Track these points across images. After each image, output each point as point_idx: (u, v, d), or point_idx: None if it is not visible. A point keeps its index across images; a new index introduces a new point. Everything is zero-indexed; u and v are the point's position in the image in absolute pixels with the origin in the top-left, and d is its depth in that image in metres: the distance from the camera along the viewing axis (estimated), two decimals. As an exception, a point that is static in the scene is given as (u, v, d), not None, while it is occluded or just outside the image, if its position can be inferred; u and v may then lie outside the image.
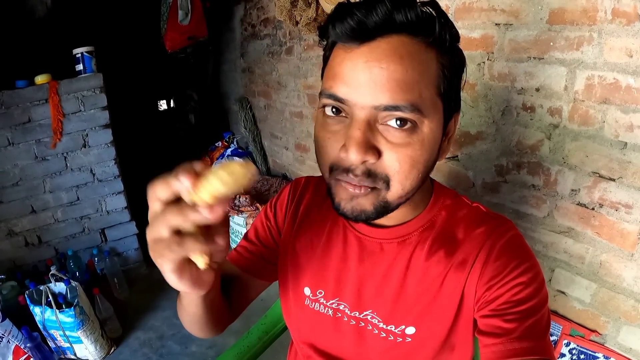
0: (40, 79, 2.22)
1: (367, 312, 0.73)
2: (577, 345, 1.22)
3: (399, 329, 0.70)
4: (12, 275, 2.22)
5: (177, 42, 2.96)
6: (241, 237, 2.49)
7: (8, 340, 1.84)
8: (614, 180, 1.05)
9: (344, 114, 0.57)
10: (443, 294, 0.67)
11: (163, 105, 4.84)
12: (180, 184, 0.41)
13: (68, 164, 2.38)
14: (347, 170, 0.57)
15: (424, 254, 0.68)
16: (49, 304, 1.84)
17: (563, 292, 1.24)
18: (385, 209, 0.61)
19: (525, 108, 1.19)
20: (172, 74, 3.91)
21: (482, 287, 0.64)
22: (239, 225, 2.51)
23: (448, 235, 0.69)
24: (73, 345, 1.93)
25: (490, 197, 1.36)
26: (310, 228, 0.81)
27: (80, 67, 2.31)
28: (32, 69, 2.25)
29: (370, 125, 0.55)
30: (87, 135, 2.38)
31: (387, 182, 0.58)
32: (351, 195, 0.59)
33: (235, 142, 3.40)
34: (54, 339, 1.92)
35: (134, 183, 2.86)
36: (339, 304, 0.76)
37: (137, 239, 2.71)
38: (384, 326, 0.71)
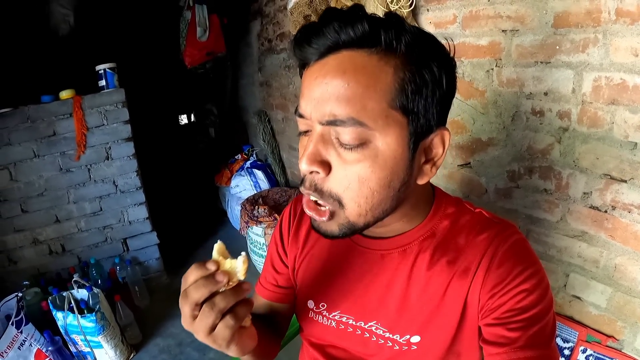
0: (65, 94, 2.32)
1: (371, 323, 0.74)
2: (594, 352, 1.19)
3: (404, 338, 0.70)
4: (36, 282, 2.29)
5: (196, 57, 3.04)
6: (260, 247, 2.54)
7: (30, 344, 1.89)
8: (625, 181, 1.04)
9: (310, 129, 0.61)
10: (446, 302, 0.67)
11: (184, 119, 4.94)
12: (218, 283, 0.53)
13: (91, 176, 2.47)
14: (302, 180, 0.61)
15: (425, 263, 0.69)
16: (71, 310, 1.89)
17: (578, 297, 1.22)
18: (352, 229, 0.62)
19: (535, 112, 1.19)
20: (192, 89, 4.00)
21: (485, 295, 0.64)
22: (258, 235, 2.55)
23: (450, 243, 0.69)
24: (94, 350, 1.97)
25: (504, 203, 1.35)
26: (312, 243, 0.83)
27: (103, 82, 2.41)
28: (56, 85, 2.35)
29: (325, 140, 0.58)
30: (110, 148, 2.47)
31: (339, 201, 0.59)
32: (314, 218, 0.63)
33: (254, 155, 3.45)
34: (75, 344, 1.97)
35: (155, 194, 2.93)
36: (341, 316, 0.77)
37: (158, 249, 2.76)
38: (390, 335, 0.71)
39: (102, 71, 2.39)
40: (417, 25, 1.45)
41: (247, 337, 0.61)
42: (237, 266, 0.56)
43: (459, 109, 1.40)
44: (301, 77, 0.63)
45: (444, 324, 0.67)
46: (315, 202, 0.62)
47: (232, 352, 0.59)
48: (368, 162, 0.57)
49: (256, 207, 2.58)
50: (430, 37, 0.60)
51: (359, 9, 0.57)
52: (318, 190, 0.60)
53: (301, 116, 0.60)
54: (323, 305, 0.79)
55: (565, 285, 1.24)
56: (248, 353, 0.64)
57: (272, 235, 0.92)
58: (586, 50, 1.03)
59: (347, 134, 0.55)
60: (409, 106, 0.57)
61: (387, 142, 0.56)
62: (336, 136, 0.57)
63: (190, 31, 2.94)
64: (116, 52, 2.83)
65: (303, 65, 0.62)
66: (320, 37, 0.56)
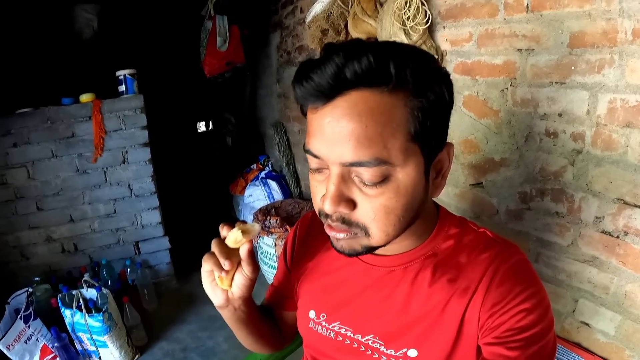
0: (85, 98, 2.39)
1: (368, 337, 0.74)
2: (601, 381, 1.16)
3: (400, 352, 0.70)
4: (47, 279, 2.34)
5: (216, 67, 3.07)
6: (270, 257, 2.54)
7: (37, 339, 1.92)
8: (639, 207, 1.01)
9: (324, 167, 0.61)
10: (445, 318, 0.67)
11: (202, 127, 5.01)
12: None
13: (107, 178, 2.52)
14: (327, 216, 0.62)
15: (427, 280, 0.70)
16: (79, 308, 1.91)
17: (587, 324, 1.19)
18: (373, 250, 0.65)
19: (548, 134, 1.17)
20: (211, 98, 4.06)
21: (485, 314, 0.64)
22: (268, 246, 2.54)
23: (452, 261, 0.70)
24: (99, 349, 1.99)
25: (514, 225, 1.33)
26: (318, 257, 0.86)
27: (122, 88, 2.47)
28: (77, 88, 2.42)
29: (345, 178, 0.59)
30: (126, 152, 2.52)
31: (365, 230, 0.61)
32: (337, 238, 0.65)
33: (269, 165, 3.47)
34: (81, 342, 1.99)
35: (169, 200, 2.96)
36: (340, 327, 0.78)
37: (169, 254, 2.79)
38: (385, 350, 0.72)
39: (123, 77, 2.45)
40: (433, 42, 1.45)
41: (215, 291, 0.75)
42: (229, 235, 0.69)
43: (473, 127, 1.40)
44: (303, 114, 0.64)
45: (441, 340, 0.67)
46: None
47: (206, 290, 0.75)
48: (391, 193, 0.59)
49: (268, 217, 2.59)
50: (422, 53, 0.60)
51: (359, 43, 0.57)
52: (346, 222, 0.62)
53: (314, 156, 0.60)
54: (323, 316, 0.81)
55: (574, 311, 1.21)
56: (220, 308, 0.78)
57: (282, 249, 0.96)
58: (602, 71, 1.01)
59: (369, 173, 0.57)
60: (422, 134, 0.58)
61: (407, 172, 0.58)
62: (357, 175, 0.58)
63: (210, 41, 2.98)
64: (137, 58, 2.90)
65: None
66: (322, 75, 0.54)
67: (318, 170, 0.63)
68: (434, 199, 0.75)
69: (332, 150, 0.57)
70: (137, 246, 2.69)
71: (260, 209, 2.80)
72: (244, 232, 0.68)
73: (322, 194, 0.62)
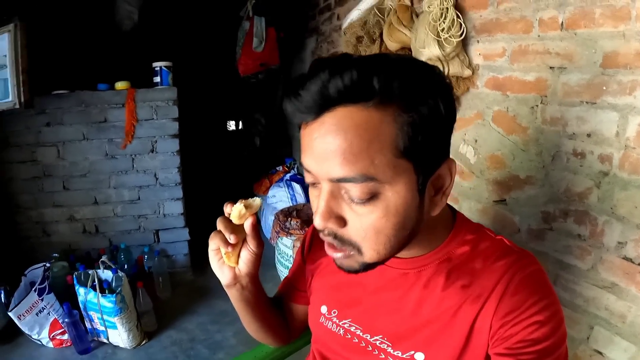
0: (120, 85, 2.46)
1: (377, 337, 0.74)
2: (611, 413, 1.12)
3: (407, 354, 0.70)
4: (65, 257, 2.41)
5: (250, 67, 3.13)
6: (287, 258, 2.55)
7: (49, 312, 1.98)
8: (663, 235, 0.99)
9: (318, 182, 0.61)
10: (455, 324, 0.66)
11: (232, 125, 5.09)
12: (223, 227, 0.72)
13: (134, 165, 2.58)
14: (320, 230, 0.62)
15: (440, 285, 0.69)
16: (93, 287, 1.96)
17: (600, 353, 1.15)
18: (371, 267, 0.64)
19: (576, 154, 1.15)
20: (243, 97, 4.11)
21: (497, 322, 0.63)
22: (286, 247, 2.55)
23: (467, 267, 0.69)
24: (108, 329, 2.03)
25: (535, 245, 1.31)
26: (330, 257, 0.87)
27: (157, 79, 2.54)
28: (113, 76, 2.50)
29: (335, 195, 0.58)
30: (156, 141, 2.58)
31: (357, 248, 0.61)
32: (334, 257, 0.65)
33: (295, 168, 3.49)
34: (91, 320, 2.03)
35: (193, 193, 2.99)
36: (350, 325, 0.78)
37: (188, 246, 2.82)
38: (392, 351, 0.72)
39: (159, 68, 2.52)
40: (466, 55, 1.45)
41: (223, 269, 0.78)
42: (233, 210, 0.71)
43: (500, 143, 1.38)
44: (298, 128, 0.63)
45: (449, 345, 0.66)
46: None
47: (213, 269, 0.79)
48: (381, 212, 0.57)
49: (289, 219, 2.59)
50: (416, 66, 0.59)
51: (347, 58, 0.56)
52: (338, 238, 0.61)
53: (307, 171, 0.61)
54: (334, 312, 0.81)
55: (588, 338, 1.17)
56: (228, 287, 0.81)
57: (300, 243, 0.98)
58: (633, 92, 0.99)
59: (357, 189, 0.56)
60: (412, 150, 0.56)
61: (397, 190, 0.57)
62: (346, 191, 0.57)
63: (246, 41, 3.04)
64: (174, 52, 2.97)
65: None
66: (307, 92, 0.55)
67: (313, 184, 0.63)
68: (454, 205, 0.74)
69: (321, 166, 0.57)
70: (157, 234, 2.74)
71: (282, 210, 2.82)
72: (246, 207, 0.70)
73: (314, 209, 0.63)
